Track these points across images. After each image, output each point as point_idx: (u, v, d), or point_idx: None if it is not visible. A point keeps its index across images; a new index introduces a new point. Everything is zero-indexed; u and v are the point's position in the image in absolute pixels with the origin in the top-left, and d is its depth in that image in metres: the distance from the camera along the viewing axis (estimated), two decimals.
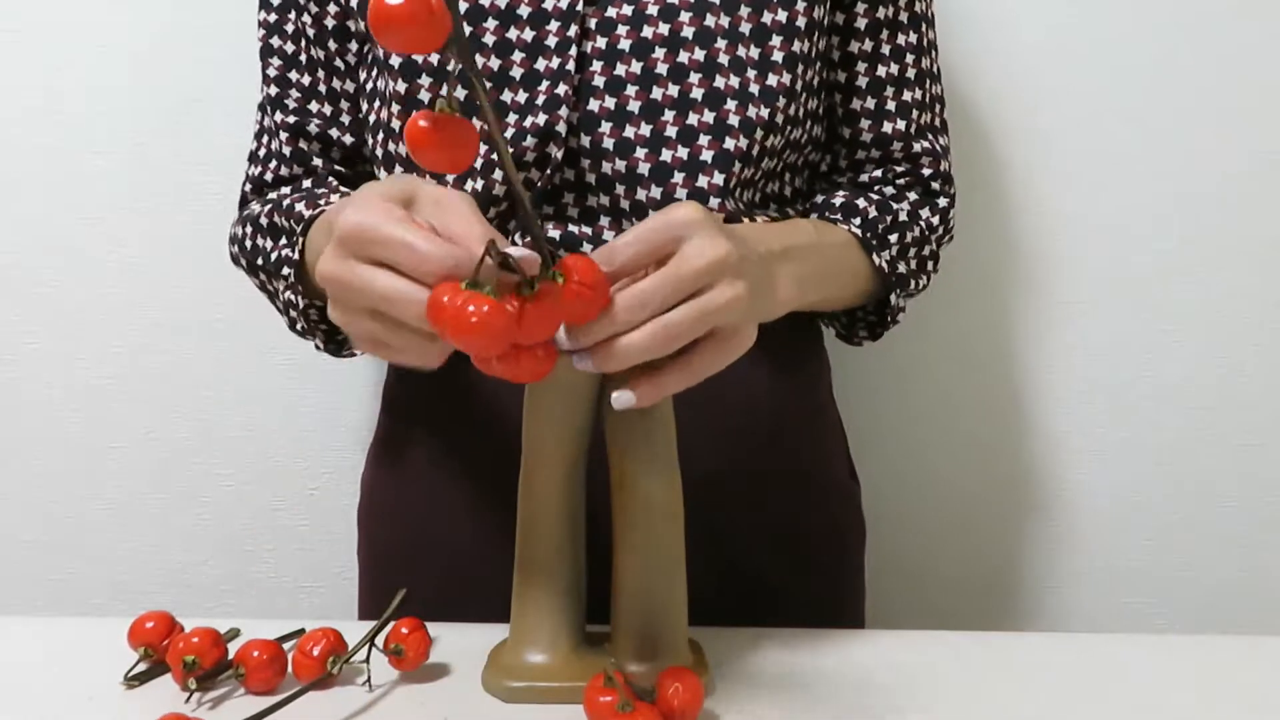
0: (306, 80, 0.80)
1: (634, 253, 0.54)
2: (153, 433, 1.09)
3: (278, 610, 1.10)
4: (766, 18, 0.72)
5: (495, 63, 0.70)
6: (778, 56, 0.73)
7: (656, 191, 0.71)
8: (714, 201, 0.72)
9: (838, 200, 0.78)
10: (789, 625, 0.71)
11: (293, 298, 0.74)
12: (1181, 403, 1.08)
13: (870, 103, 0.79)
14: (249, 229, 0.78)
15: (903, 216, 0.79)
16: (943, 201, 0.82)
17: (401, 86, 0.72)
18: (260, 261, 0.76)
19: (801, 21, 0.73)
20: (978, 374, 1.08)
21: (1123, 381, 1.08)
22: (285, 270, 0.71)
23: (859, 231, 0.76)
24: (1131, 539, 1.11)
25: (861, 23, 0.78)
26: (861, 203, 0.78)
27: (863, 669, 0.65)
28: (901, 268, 0.78)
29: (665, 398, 0.60)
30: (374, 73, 0.77)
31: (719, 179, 0.71)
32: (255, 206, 0.79)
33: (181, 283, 1.06)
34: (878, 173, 0.81)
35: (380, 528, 0.83)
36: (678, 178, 0.71)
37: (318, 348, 0.80)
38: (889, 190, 0.81)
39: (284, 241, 0.73)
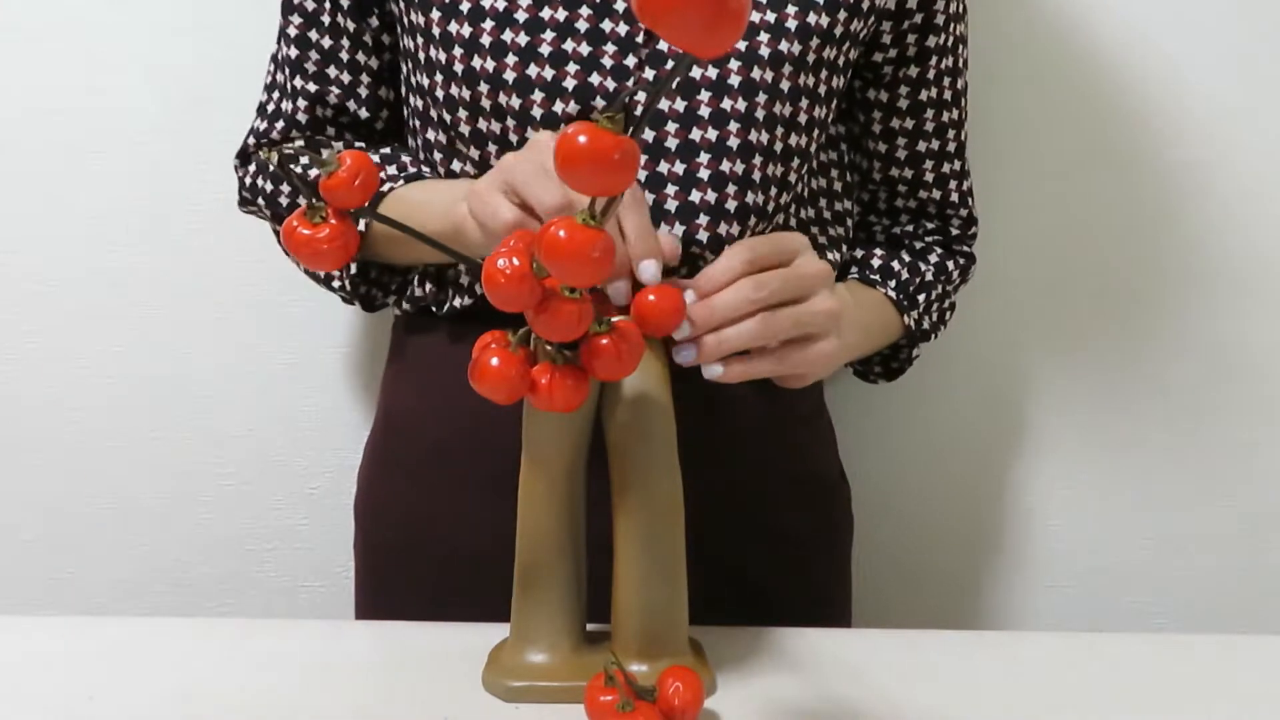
0: (327, 43, 0.79)
1: (752, 253, 0.62)
2: (153, 433, 1.09)
3: (278, 610, 1.10)
4: (802, 80, 0.73)
5: (549, 73, 0.70)
6: (802, 119, 0.74)
7: (679, 229, 0.71)
8: (736, 228, 0.73)
9: (876, 262, 0.84)
10: (779, 621, 0.71)
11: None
12: (1181, 402, 1.08)
13: (909, 173, 0.85)
14: (284, 186, 0.79)
15: (929, 276, 0.85)
16: (963, 260, 0.88)
17: (466, 94, 0.73)
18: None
19: (823, 89, 0.75)
20: (974, 372, 1.08)
21: (1121, 380, 1.08)
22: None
23: (894, 294, 0.82)
24: (1131, 538, 1.11)
25: (904, 103, 0.82)
26: (896, 265, 0.84)
27: (863, 669, 0.65)
28: (925, 324, 0.85)
29: (666, 402, 0.61)
30: (418, 40, 0.76)
31: (737, 230, 0.72)
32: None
33: (182, 283, 1.06)
34: (910, 226, 0.87)
35: (377, 524, 0.83)
36: (702, 220, 0.72)
37: (345, 300, 0.82)
38: (918, 245, 0.87)
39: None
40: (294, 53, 0.80)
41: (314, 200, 0.53)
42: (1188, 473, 1.09)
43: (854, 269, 0.84)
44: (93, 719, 0.59)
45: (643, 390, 0.60)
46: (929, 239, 0.87)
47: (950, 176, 0.86)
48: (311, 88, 0.80)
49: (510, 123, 0.71)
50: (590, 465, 0.63)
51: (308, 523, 1.09)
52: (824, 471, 0.84)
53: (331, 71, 0.80)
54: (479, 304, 0.75)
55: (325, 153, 0.52)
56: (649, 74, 0.71)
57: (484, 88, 0.71)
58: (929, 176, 0.85)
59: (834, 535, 0.84)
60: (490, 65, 0.71)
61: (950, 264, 0.87)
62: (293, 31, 0.80)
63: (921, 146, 0.84)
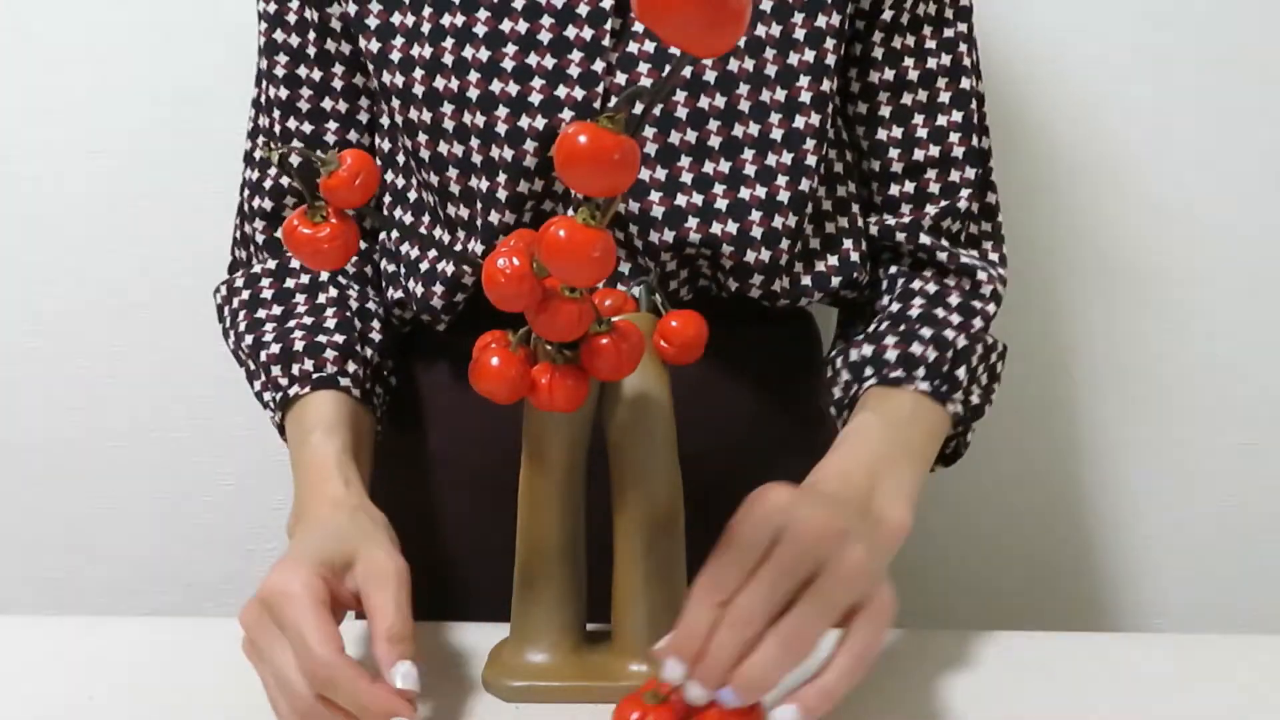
0: (318, 75, 0.76)
1: (738, 563, 0.53)
2: (153, 432, 1.09)
3: None
4: (793, 59, 0.70)
5: (514, 88, 0.69)
6: (805, 98, 0.70)
7: (669, 235, 0.70)
8: (732, 225, 0.70)
9: (890, 354, 0.70)
10: None
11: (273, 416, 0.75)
12: (1181, 402, 1.08)
13: (897, 131, 0.75)
14: (239, 328, 0.77)
15: (961, 340, 0.70)
16: (986, 289, 0.74)
17: (427, 116, 0.71)
18: (243, 360, 0.77)
19: (831, 59, 0.70)
20: None
21: (1123, 381, 1.08)
22: (270, 414, 0.75)
23: (927, 386, 0.68)
24: (1131, 538, 1.11)
25: (878, 52, 0.74)
26: (916, 347, 0.70)
27: None
28: (975, 398, 0.72)
29: (666, 402, 0.60)
30: (369, 67, 0.75)
31: (732, 227, 0.70)
32: (244, 294, 0.78)
33: (181, 282, 1.06)
34: (909, 216, 0.75)
35: None
36: (691, 223, 0.70)
37: None
38: (931, 289, 0.74)
39: (263, 383, 0.74)
40: (284, 93, 0.76)
41: (314, 200, 0.53)
42: (1187, 473, 1.09)
43: (868, 370, 0.70)
44: (93, 719, 0.59)
45: (643, 390, 0.60)
46: (935, 241, 0.75)
47: (949, 129, 0.75)
48: (307, 128, 0.76)
49: (474, 143, 0.70)
50: (590, 466, 0.63)
51: None
52: None
53: (327, 104, 0.76)
54: (466, 313, 0.74)
55: (326, 153, 0.52)
56: (620, 79, 0.69)
57: (447, 109, 0.70)
58: (921, 132, 0.74)
59: None
60: (454, 85, 0.69)
61: (976, 302, 0.73)
62: (280, 71, 0.76)
63: (907, 99, 0.75)
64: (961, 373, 0.70)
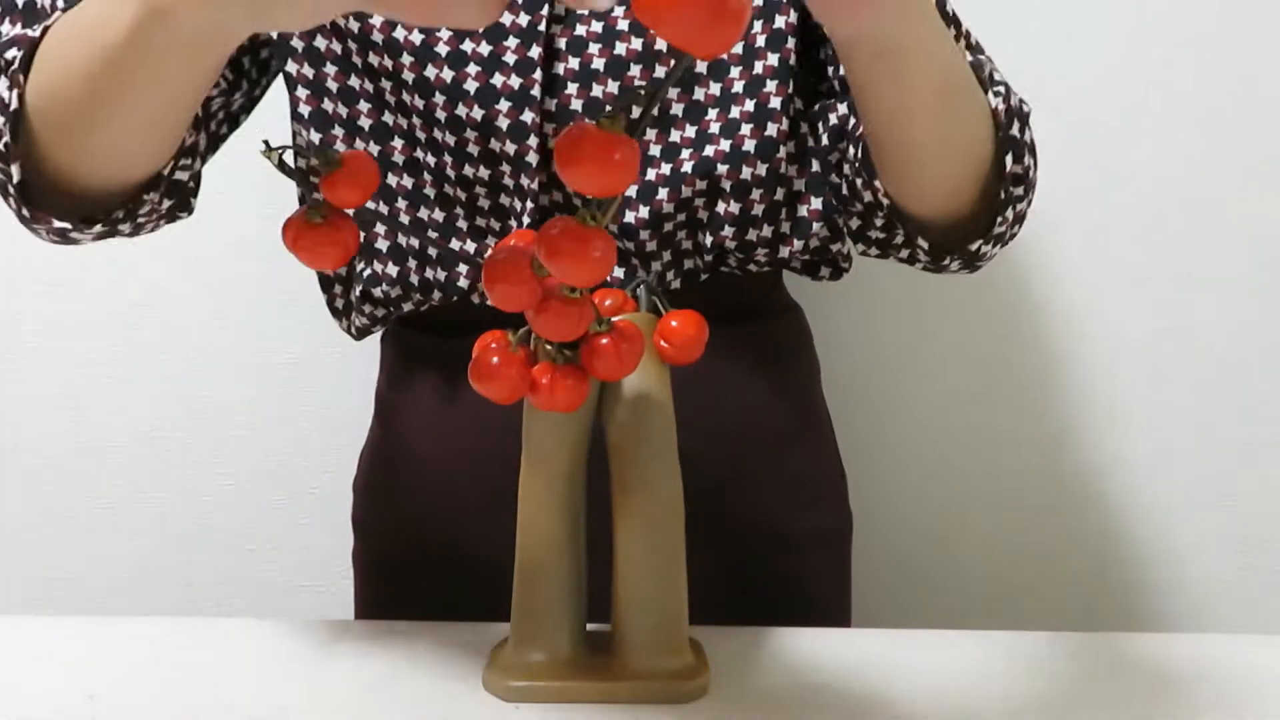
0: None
1: None
2: (153, 432, 1.09)
3: (278, 610, 1.10)
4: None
5: (449, 74, 0.68)
6: (760, 41, 0.69)
7: (644, 211, 0.70)
8: (701, 184, 0.69)
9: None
10: (778, 621, 0.71)
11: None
12: (1181, 402, 1.08)
13: None
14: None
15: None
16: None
17: (369, 86, 0.71)
18: None
19: None
20: (973, 371, 1.08)
21: (1121, 380, 1.08)
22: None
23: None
24: (1131, 538, 1.11)
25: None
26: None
27: (863, 669, 0.65)
28: (1016, 135, 0.62)
29: (666, 402, 0.60)
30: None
31: (702, 185, 0.70)
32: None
33: (182, 282, 1.06)
34: None
35: (377, 533, 0.82)
36: (662, 194, 0.69)
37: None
38: None
39: None
40: None
41: (313, 198, 0.53)
42: (1187, 473, 1.09)
43: None
44: (93, 719, 0.59)
45: (643, 390, 0.60)
46: None
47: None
48: None
49: (416, 121, 0.70)
50: (590, 466, 0.63)
51: (308, 523, 1.10)
52: (822, 470, 0.84)
53: None
54: (466, 313, 0.74)
55: (326, 151, 0.52)
56: (574, 63, 0.68)
57: (386, 84, 0.70)
58: None
59: (831, 533, 0.84)
60: (389, 64, 0.69)
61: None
62: None
63: None
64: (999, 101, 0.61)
